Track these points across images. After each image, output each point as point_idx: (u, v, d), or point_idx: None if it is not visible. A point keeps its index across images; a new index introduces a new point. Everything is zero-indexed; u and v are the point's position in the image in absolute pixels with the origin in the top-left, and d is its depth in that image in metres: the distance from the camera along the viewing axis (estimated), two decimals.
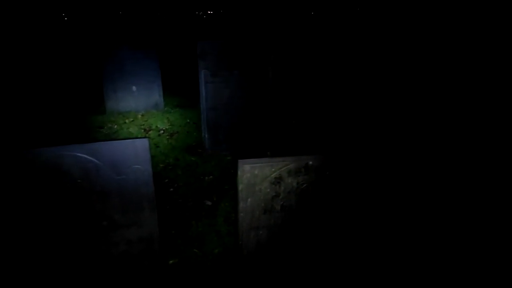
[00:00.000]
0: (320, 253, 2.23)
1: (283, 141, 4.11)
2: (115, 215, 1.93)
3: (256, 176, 1.94)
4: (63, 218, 1.84)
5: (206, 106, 3.83)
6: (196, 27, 15.77)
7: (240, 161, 1.92)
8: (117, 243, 1.98)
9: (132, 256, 2.03)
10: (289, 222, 2.10)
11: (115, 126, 4.89)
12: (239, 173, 1.92)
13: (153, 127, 4.88)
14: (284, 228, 2.11)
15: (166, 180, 3.40)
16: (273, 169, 1.96)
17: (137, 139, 1.84)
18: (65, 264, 1.91)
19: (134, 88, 5.35)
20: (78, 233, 1.89)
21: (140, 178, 1.90)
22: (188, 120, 5.12)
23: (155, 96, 5.51)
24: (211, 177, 3.51)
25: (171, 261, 2.37)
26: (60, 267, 1.91)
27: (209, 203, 3.06)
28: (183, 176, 3.50)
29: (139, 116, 5.31)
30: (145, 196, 1.93)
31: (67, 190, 1.81)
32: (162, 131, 4.73)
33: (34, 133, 4.56)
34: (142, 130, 4.77)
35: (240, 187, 1.93)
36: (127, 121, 5.12)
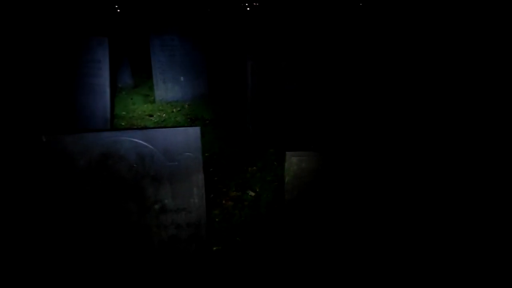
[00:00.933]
0: (366, 251, 2.18)
1: (326, 135, 4.05)
2: (165, 199, 2.02)
3: (303, 169, 1.94)
4: (119, 199, 1.95)
5: (251, 97, 3.85)
6: (240, 18, 15.84)
7: (288, 153, 1.92)
8: (167, 227, 2.07)
9: (180, 241, 2.11)
10: (335, 215, 2.08)
11: (164, 115, 5.08)
12: (286, 165, 1.93)
13: (199, 116, 5.01)
14: (330, 221, 2.09)
15: (211, 169, 3.49)
16: (319, 162, 1.94)
17: (189, 127, 1.91)
18: (119, 244, 2.03)
19: (182, 78, 5.52)
20: (132, 215, 2.00)
21: (190, 165, 1.96)
22: (232, 111, 5.19)
23: (201, 87, 5.64)
24: (254, 168, 3.55)
25: (214, 248, 2.44)
26: (114, 247, 2.03)
27: (252, 193, 3.10)
28: (227, 166, 3.57)
29: (186, 106, 5.47)
30: (194, 183, 2.00)
31: (123, 173, 1.91)
32: (207, 121, 4.84)
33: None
34: (189, 120, 4.92)
35: (287, 179, 1.93)
36: (174, 110, 5.29)
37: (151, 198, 1.99)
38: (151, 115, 5.06)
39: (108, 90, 4.07)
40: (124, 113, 5.07)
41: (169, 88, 5.54)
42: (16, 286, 2.08)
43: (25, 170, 2.83)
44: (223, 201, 2.99)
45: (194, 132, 1.91)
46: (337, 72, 4.11)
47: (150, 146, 1.90)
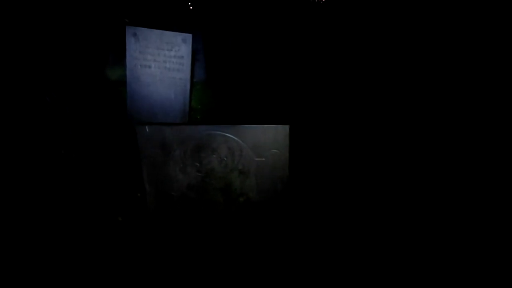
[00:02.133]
0: None
1: None
2: (250, 193, 2.10)
3: None
4: (208, 189, 2.07)
5: None
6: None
7: None
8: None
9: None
10: None
11: None
12: None
13: None
14: None
15: None
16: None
17: (279, 126, 1.96)
18: (205, 230, 2.16)
19: None
20: (219, 205, 2.11)
21: (277, 161, 2.01)
22: None
23: None
24: None
25: None
26: (201, 233, 2.17)
27: None
28: None
29: None
30: (279, 179, 2.05)
31: (214, 165, 2.03)
32: None
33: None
34: None
35: None
36: None
37: (237, 190, 2.09)
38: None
39: (188, 85, 4.30)
40: (199, 106, 5.32)
41: None
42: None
43: (127, 154, 3.08)
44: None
45: (283, 130, 1.96)
46: None
47: (240, 141, 1.98)
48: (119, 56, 4.58)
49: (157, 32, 4.15)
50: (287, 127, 1.96)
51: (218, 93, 5.98)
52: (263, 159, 2.01)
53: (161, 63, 4.35)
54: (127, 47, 4.14)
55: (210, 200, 2.09)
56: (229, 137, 1.98)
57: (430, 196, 2.91)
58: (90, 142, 3.03)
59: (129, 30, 4.10)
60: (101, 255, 2.24)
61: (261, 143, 1.99)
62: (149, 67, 4.31)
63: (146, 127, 1.98)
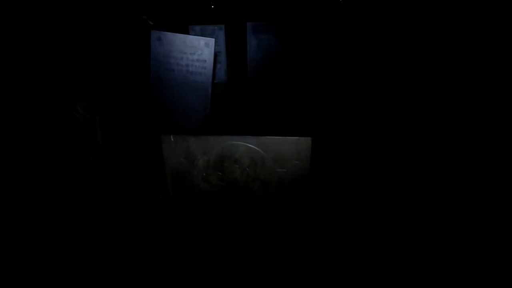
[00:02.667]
0: None
1: None
2: (271, 202, 2.13)
3: None
4: (230, 198, 2.12)
5: None
6: None
7: None
8: None
9: None
10: None
11: None
12: None
13: None
14: None
15: None
16: None
17: (302, 138, 1.97)
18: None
19: None
20: (240, 213, 2.15)
21: (298, 172, 2.03)
22: None
23: None
24: None
25: None
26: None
27: None
28: None
29: None
30: (300, 189, 2.07)
31: (236, 175, 2.07)
32: None
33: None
34: None
35: None
36: None
37: (260, 199, 2.12)
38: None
39: (210, 88, 4.36)
40: (219, 109, 5.38)
41: None
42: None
43: (151, 162, 3.17)
44: None
45: (305, 142, 1.98)
46: None
47: (263, 152, 2.01)
48: (144, 59, 4.68)
49: (180, 36, 4.23)
50: (309, 139, 1.97)
51: (240, 97, 6.02)
52: (285, 170, 2.03)
53: (184, 66, 4.43)
54: (151, 51, 4.23)
55: (232, 208, 2.14)
56: (251, 147, 2.01)
57: (447, 206, 2.87)
58: (117, 150, 3.13)
59: (154, 34, 4.20)
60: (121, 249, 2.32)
61: (283, 154, 2.01)
62: (172, 70, 4.40)
63: (171, 136, 2.04)
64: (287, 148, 2.00)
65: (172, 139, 2.04)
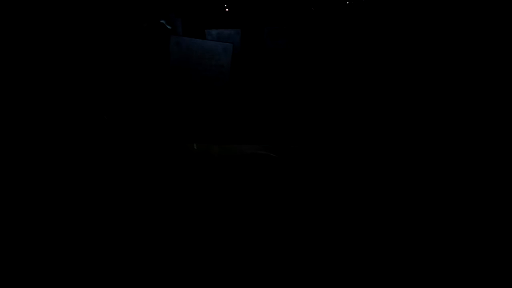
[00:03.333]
0: None
1: None
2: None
3: None
4: (252, 204, 2.13)
5: None
6: None
7: None
8: None
9: None
10: None
11: None
12: None
13: None
14: None
15: None
16: None
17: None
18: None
19: None
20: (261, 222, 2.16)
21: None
22: None
23: None
24: None
25: None
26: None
27: None
28: None
29: None
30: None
31: (253, 182, 2.08)
32: None
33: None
34: None
35: None
36: None
37: (279, 205, 2.13)
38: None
39: (227, 92, 4.40)
40: (236, 114, 5.41)
41: None
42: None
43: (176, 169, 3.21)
44: None
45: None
46: None
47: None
48: (162, 64, 4.74)
49: (198, 41, 4.27)
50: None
51: (255, 101, 6.03)
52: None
53: (202, 71, 4.48)
54: (171, 56, 4.29)
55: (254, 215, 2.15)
56: (271, 156, 2.02)
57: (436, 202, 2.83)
58: (140, 157, 3.18)
59: (173, 40, 4.25)
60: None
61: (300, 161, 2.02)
62: (190, 75, 4.45)
63: (195, 144, 2.06)
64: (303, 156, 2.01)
65: (195, 147, 2.07)
